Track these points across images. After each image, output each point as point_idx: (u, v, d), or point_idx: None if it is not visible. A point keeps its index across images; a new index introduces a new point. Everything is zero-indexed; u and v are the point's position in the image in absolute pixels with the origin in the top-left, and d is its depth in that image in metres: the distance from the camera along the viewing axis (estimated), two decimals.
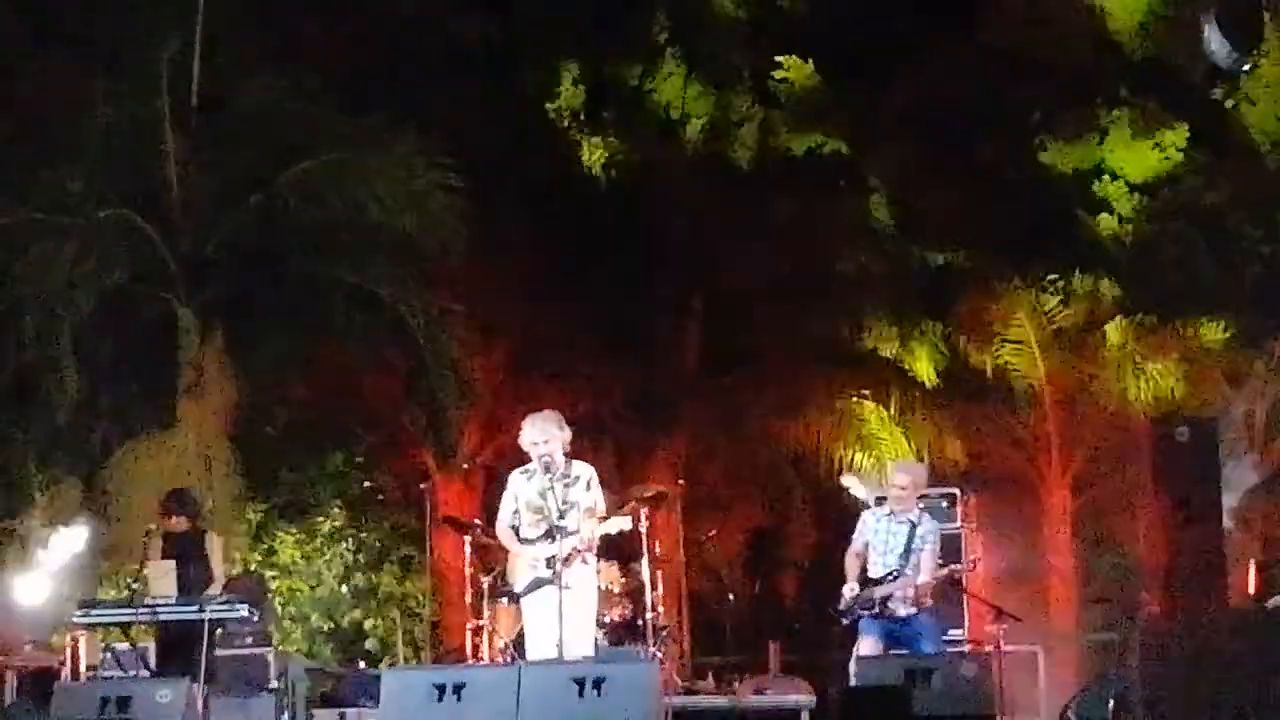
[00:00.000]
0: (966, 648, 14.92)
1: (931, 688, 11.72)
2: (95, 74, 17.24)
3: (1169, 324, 18.91)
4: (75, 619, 13.63)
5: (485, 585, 14.07)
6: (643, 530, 13.72)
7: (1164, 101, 19.73)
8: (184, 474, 16.53)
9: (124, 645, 13.86)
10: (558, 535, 11.80)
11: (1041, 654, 15.80)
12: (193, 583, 13.23)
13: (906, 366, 19.80)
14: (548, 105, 20.94)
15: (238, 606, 13.00)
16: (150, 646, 13.73)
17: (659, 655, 13.74)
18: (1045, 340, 19.27)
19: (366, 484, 18.74)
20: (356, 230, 17.58)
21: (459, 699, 10.88)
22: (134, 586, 13.62)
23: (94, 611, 13.43)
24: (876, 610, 12.80)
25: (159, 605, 13.01)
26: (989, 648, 13.41)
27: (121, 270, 17.32)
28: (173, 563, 13.26)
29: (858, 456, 19.15)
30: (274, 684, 14.51)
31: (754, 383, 19.87)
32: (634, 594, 14.49)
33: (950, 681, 11.81)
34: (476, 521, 14.40)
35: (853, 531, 13.33)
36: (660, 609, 14.55)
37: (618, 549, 14.10)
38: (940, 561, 13.35)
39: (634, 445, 19.82)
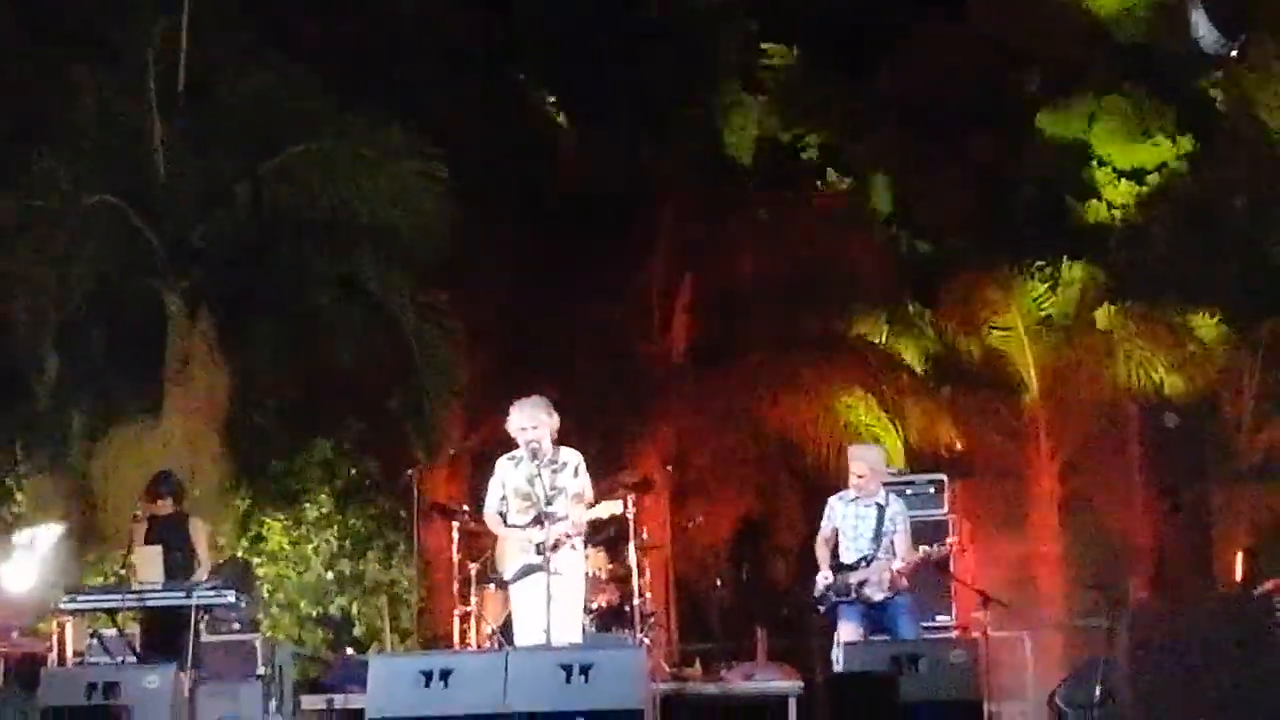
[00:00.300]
0: (954, 633, 14.92)
1: (919, 673, 11.71)
2: (82, 62, 17.19)
3: (1157, 311, 18.93)
4: (62, 605, 13.59)
5: (473, 571, 14.04)
6: (630, 517, 13.72)
7: (1152, 89, 19.76)
8: (171, 461, 16.46)
9: (111, 631, 13.82)
10: (546, 521, 11.77)
11: (1029, 640, 15.80)
12: (178, 568, 13.21)
13: (895, 354, 19.81)
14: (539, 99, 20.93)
15: (225, 592, 12.98)
16: (135, 632, 13.68)
17: (646, 641, 13.74)
18: (1034, 327, 19.32)
19: (353, 471, 18.69)
20: (344, 220, 17.55)
21: (446, 685, 10.86)
22: (121, 572, 13.59)
23: (81, 597, 13.41)
24: (853, 596, 12.76)
25: (146, 591, 12.99)
26: (976, 633, 13.44)
27: (109, 258, 17.27)
28: (159, 548, 13.23)
29: (847, 442, 19.14)
30: (262, 670, 14.47)
31: (742, 370, 19.87)
32: (622, 580, 14.48)
33: (937, 667, 11.80)
34: (464, 508, 14.38)
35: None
36: (648, 595, 14.56)
37: (606, 535, 14.09)
38: (925, 544, 13.28)
39: (622, 432, 19.80)
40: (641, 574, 14.25)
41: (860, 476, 12.99)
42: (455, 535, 14.26)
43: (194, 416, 17.32)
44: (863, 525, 12.88)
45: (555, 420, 12.05)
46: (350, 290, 17.71)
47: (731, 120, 21.18)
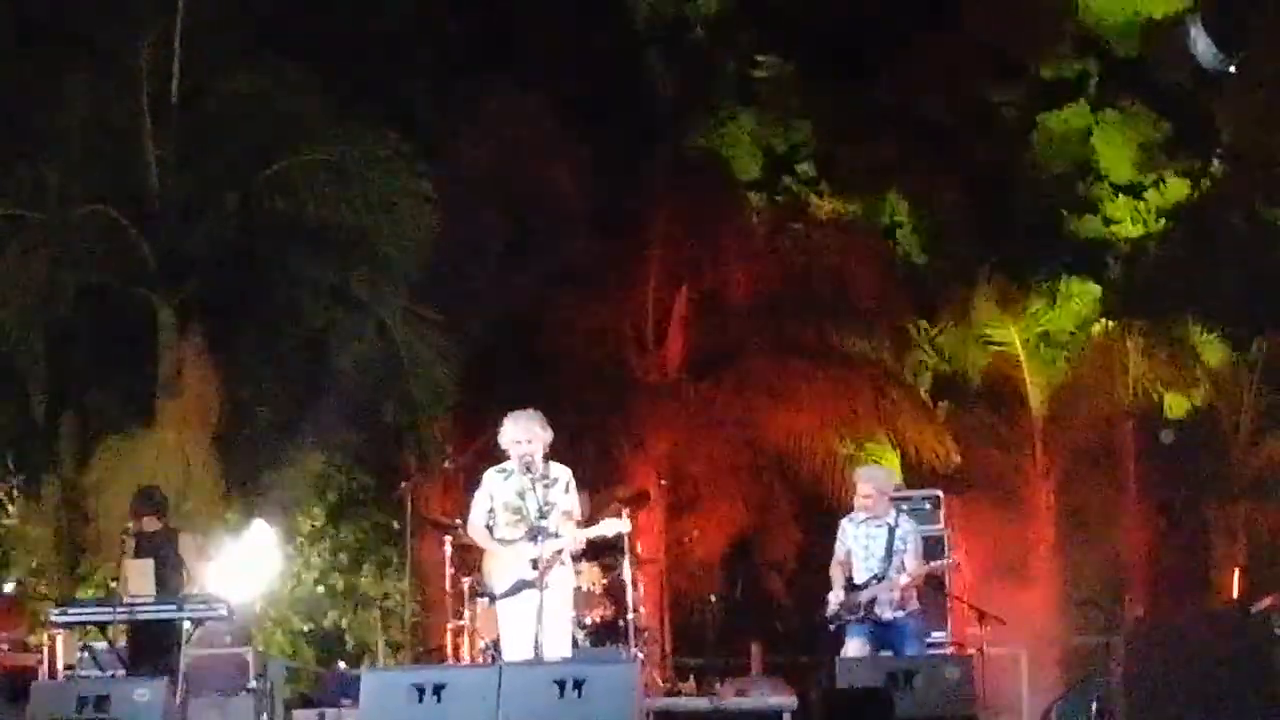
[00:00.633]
0: (950, 650, 14.87)
1: (914, 690, 11.67)
2: (75, 69, 17.13)
3: (1156, 327, 18.91)
4: (53, 617, 13.52)
5: (466, 586, 13.97)
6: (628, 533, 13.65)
7: (1151, 103, 19.75)
8: (163, 473, 16.41)
9: (102, 644, 13.75)
10: (540, 537, 11.68)
11: (1025, 657, 15.76)
12: (168, 582, 13.14)
13: (892, 367, 19.77)
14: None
15: (217, 605, 12.93)
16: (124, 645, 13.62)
17: (640, 656, 13.67)
18: (1031, 342, 19.28)
19: (349, 484, 18.64)
20: (336, 230, 17.50)
21: (439, 700, 10.80)
22: (112, 585, 13.51)
23: (71, 610, 13.34)
24: (862, 614, 12.75)
25: (137, 604, 12.92)
26: (972, 650, 13.39)
27: (101, 268, 17.21)
28: (151, 561, 13.16)
29: (842, 457, 19.13)
30: (253, 684, 14.39)
31: (737, 383, 19.81)
32: (615, 595, 14.41)
33: (933, 684, 11.76)
34: (457, 521, 14.28)
35: (834, 534, 13.27)
36: (642, 610, 14.48)
37: (599, 549, 14.01)
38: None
39: (616, 446, 19.74)
40: (636, 588, 14.19)
41: (867, 497, 13.00)
42: (449, 549, 14.20)
43: (186, 427, 17.25)
44: (874, 545, 12.88)
45: (549, 434, 11.94)
46: (342, 301, 17.65)
47: (728, 130, 21.14)
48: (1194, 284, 18.89)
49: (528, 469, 11.75)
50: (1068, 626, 18.49)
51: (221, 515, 17.53)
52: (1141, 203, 19.66)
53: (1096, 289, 19.45)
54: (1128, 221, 19.65)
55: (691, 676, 16.60)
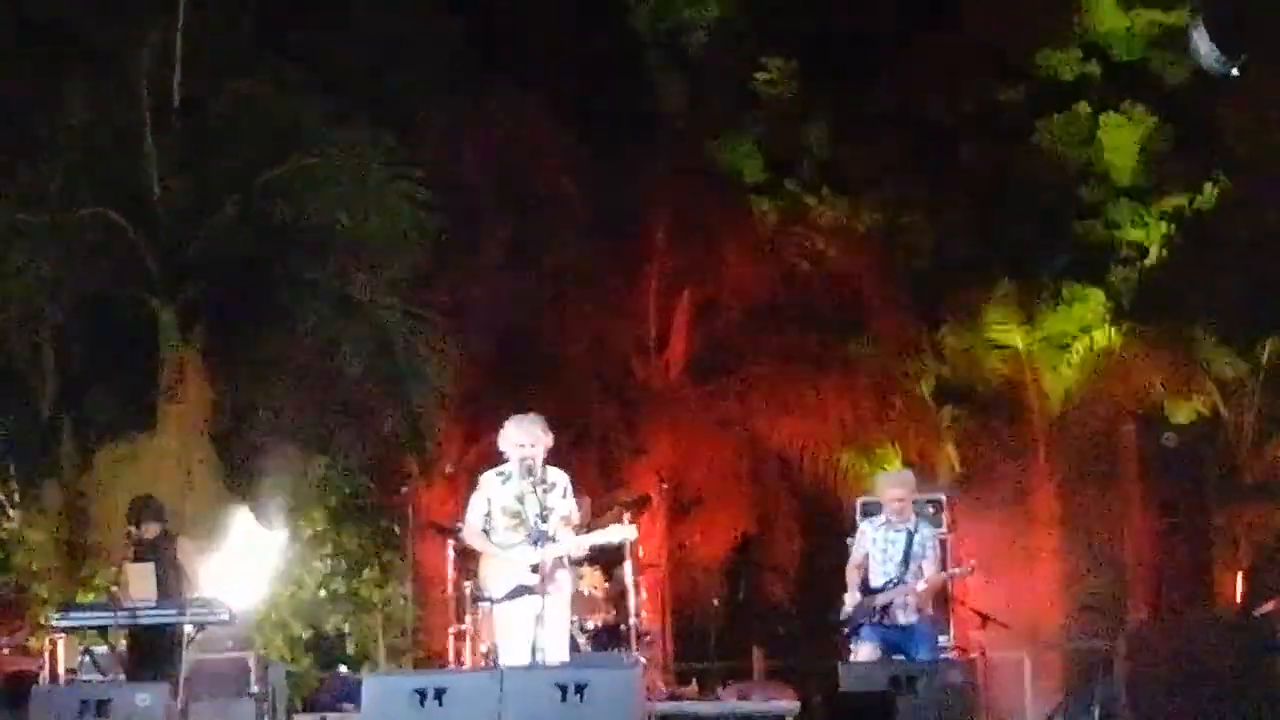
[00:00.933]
0: (953, 653, 14.85)
1: (917, 694, 11.65)
2: (76, 72, 17.13)
3: (1159, 331, 18.88)
4: (54, 621, 13.52)
5: (468, 590, 13.94)
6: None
7: (1152, 107, 19.73)
8: (164, 477, 16.41)
9: (103, 648, 13.75)
10: (541, 542, 11.66)
11: (1028, 661, 15.75)
12: (169, 587, 13.13)
13: (895, 372, 19.76)
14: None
15: (218, 610, 12.92)
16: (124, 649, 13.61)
17: (642, 660, 13.65)
18: (1035, 347, 19.26)
19: (353, 487, 18.63)
20: (336, 234, 17.50)
21: (440, 704, 10.78)
22: (114, 589, 13.50)
23: (73, 614, 13.33)
24: (878, 618, 12.75)
25: (139, 609, 12.91)
26: (975, 654, 13.40)
27: (102, 271, 17.21)
28: (152, 565, 13.16)
29: (844, 461, 19.12)
30: (255, 688, 14.38)
31: (740, 388, 19.82)
32: (618, 599, 14.40)
33: (936, 688, 11.74)
34: (459, 526, 14.25)
35: (838, 539, 13.28)
36: (644, 614, 14.47)
37: (601, 553, 13.99)
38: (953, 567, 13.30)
39: (618, 450, 19.74)
40: (638, 593, 14.17)
41: (899, 500, 13.04)
42: (451, 553, 14.19)
43: (186, 431, 17.24)
44: (893, 549, 12.89)
45: (550, 438, 11.91)
46: (343, 305, 17.64)
47: (729, 134, 21.12)
48: (1198, 288, 18.86)
49: (529, 472, 11.73)
50: (1071, 631, 18.48)
51: (222, 520, 17.52)
52: (1145, 207, 19.64)
53: (1100, 294, 19.42)
54: (1130, 226, 19.63)
55: (694, 680, 16.61)
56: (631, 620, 13.97)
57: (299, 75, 17.46)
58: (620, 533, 12.35)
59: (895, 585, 12.79)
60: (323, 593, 18.12)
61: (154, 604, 12.95)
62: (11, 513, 17.56)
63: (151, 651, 12.95)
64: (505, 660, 11.80)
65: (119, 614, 12.99)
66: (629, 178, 20.59)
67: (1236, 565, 18.24)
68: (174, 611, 12.87)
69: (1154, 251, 19.46)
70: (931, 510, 16.11)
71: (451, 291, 18.55)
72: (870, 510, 14.55)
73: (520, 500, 11.75)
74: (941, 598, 14.29)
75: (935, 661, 13.17)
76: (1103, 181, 19.73)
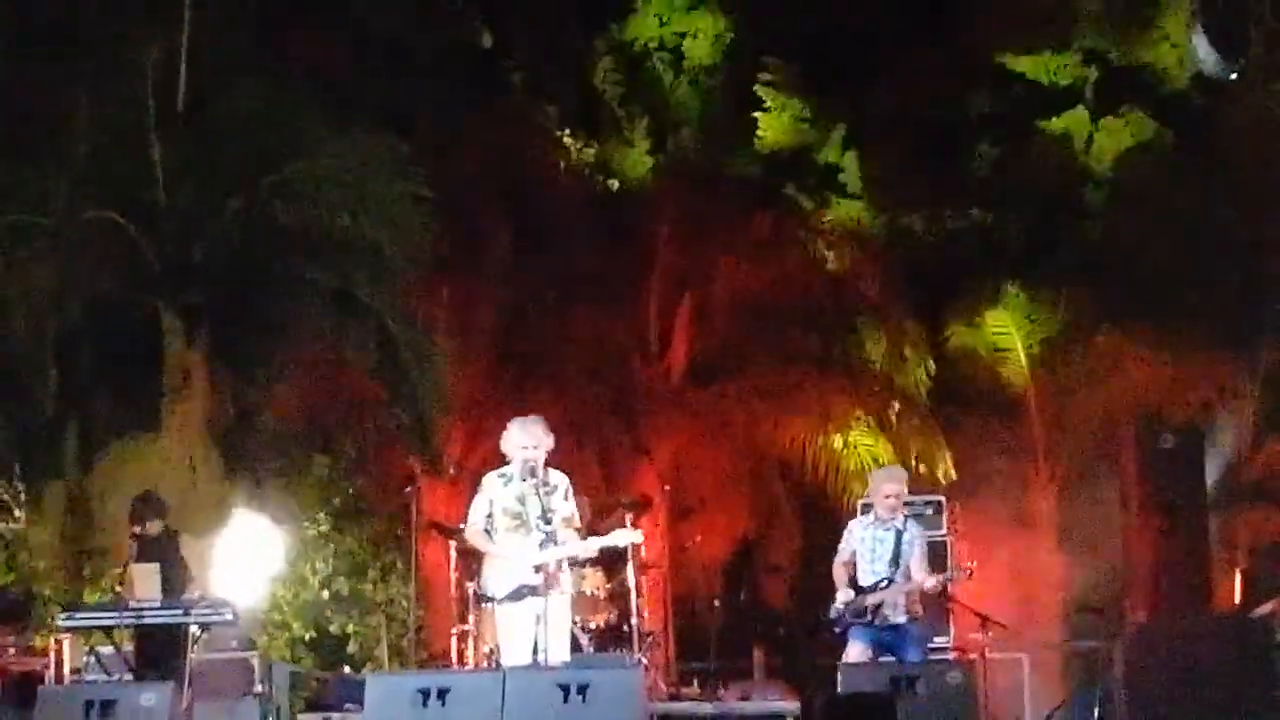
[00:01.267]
0: (952, 655, 14.91)
1: (916, 695, 11.72)
2: (80, 76, 17.16)
3: (1157, 332, 18.90)
4: (60, 622, 13.57)
5: (470, 590, 14.00)
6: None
7: (1150, 110, 19.76)
8: (167, 477, 16.45)
9: (108, 648, 13.80)
10: (546, 543, 11.73)
11: (1027, 662, 15.80)
12: (171, 586, 13.19)
13: (894, 373, 19.79)
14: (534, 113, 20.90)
15: (223, 610, 12.98)
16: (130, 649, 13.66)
17: (644, 661, 13.72)
18: (1032, 348, 19.29)
19: (351, 489, 18.67)
20: (340, 235, 17.53)
21: (443, 704, 10.87)
22: (118, 589, 13.57)
23: (78, 614, 13.39)
24: (869, 618, 12.78)
25: (144, 608, 12.97)
26: (974, 655, 13.43)
27: (106, 274, 17.24)
28: (156, 565, 13.24)
29: (845, 463, 19.15)
30: (259, 688, 14.44)
31: (740, 389, 19.84)
32: (619, 599, 14.45)
33: (935, 689, 11.81)
34: (461, 526, 14.32)
35: (838, 539, 13.31)
36: (645, 615, 14.54)
37: (603, 554, 14.05)
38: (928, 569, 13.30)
39: (619, 451, 19.77)
40: (639, 593, 14.24)
41: (893, 496, 13.06)
42: (453, 554, 14.25)
43: (190, 433, 17.28)
44: (881, 548, 12.93)
45: (551, 440, 12.02)
46: (347, 306, 17.68)
47: (729, 137, 21.15)
48: (1195, 288, 18.88)
49: (530, 474, 11.81)
50: (1069, 632, 18.53)
51: (226, 520, 17.58)
52: (1143, 208, 19.66)
53: (1098, 294, 19.45)
54: (1128, 227, 19.65)
55: (695, 681, 16.64)
56: (633, 621, 14.04)
57: (300, 79, 17.50)
58: (627, 536, 12.45)
59: (886, 585, 12.83)
60: (325, 593, 18.18)
61: (159, 604, 13.02)
62: (16, 513, 17.61)
63: (158, 651, 13.01)
64: (507, 660, 11.88)
65: (124, 614, 13.06)
66: (630, 180, 20.67)
67: (1235, 566, 18.29)
68: (179, 611, 12.93)
69: (1153, 253, 19.48)
70: (931, 512, 16.18)
71: (454, 293, 18.60)
72: (870, 511, 14.58)
73: (522, 501, 11.85)
74: (940, 599, 14.34)
75: (935, 662, 13.24)
76: (1100, 184, 19.75)
